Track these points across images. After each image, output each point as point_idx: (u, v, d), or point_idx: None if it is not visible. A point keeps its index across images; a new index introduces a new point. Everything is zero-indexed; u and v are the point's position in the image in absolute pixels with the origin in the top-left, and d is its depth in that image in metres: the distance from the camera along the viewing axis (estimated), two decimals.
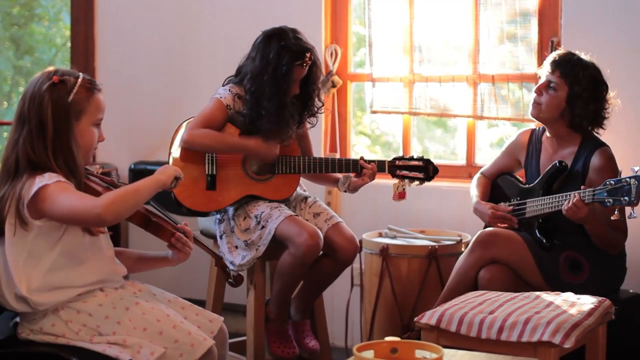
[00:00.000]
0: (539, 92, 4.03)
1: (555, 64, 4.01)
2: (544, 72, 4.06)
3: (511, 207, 4.09)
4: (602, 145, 3.99)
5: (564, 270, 3.87)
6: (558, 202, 3.84)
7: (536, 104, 4.04)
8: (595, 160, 3.94)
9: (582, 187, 3.76)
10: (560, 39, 4.60)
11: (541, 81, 4.05)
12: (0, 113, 6.80)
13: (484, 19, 4.81)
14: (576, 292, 3.58)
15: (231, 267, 3.93)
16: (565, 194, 3.81)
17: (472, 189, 4.31)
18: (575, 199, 3.71)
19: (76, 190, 2.85)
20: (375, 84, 5.06)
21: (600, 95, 3.99)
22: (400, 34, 4.99)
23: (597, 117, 4.00)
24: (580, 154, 4.00)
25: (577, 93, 3.96)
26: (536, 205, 3.98)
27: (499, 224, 4.06)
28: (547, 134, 4.14)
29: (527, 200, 4.04)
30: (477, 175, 4.39)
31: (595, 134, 4.05)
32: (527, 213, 4.02)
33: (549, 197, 3.91)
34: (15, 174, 2.87)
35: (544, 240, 3.93)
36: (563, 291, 3.61)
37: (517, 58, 4.77)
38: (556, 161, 3.99)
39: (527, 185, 4.13)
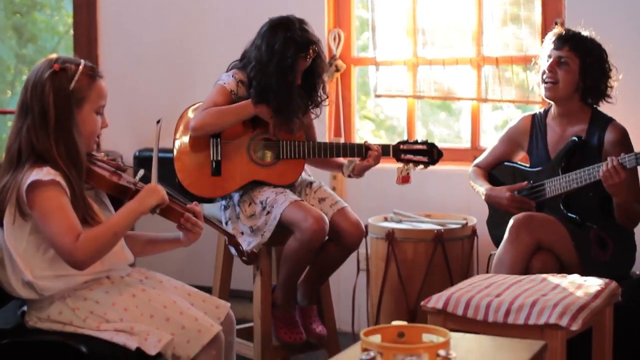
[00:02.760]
0: (551, 69, 3.99)
1: (562, 40, 4.00)
2: (546, 52, 4.04)
3: (527, 183, 4.06)
4: (611, 119, 4.00)
5: (594, 247, 3.86)
6: (588, 175, 3.80)
7: (551, 84, 4.00)
8: (610, 134, 3.94)
9: (601, 161, 3.75)
10: (564, 20, 4.58)
11: (545, 61, 4.04)
12: (3, 102, 6.80)
13: (487, 1, 4.79)
14: (603, 271, 3.58)
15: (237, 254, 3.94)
16: (593, 166, 3.78)
17: (473, 181, 4.28)
18: (615, 162, 3.69)
19: (68, 204, 2.82)
20: (379, 67, 5.05)
21: (607, 62, 4.01)
22: (403, 17, 4.98)
23: (606, 87, 4.01)
24: (592, 129, 3.99)
25: (589, 64, 3.96)
26: (559, 184, 3.94)
27: (516, 209, 4.01)
28: (554, 114, 4.12)
29: (545, 181, 4.01)
30: (472, 168, 4.36)
31: (600, 110, 4.05)
32: (548, 193, 3.99)
33: (574, 172, 3.88)
34: (18, 163, 2.87)
35: (577, 217, 3.90)
36: (593, 269, 3.61)
37: (521, 40, 4.76)
38: (574, 137, 3.98)
39: (537, 168, 4.11)
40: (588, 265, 3.76)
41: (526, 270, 3.77)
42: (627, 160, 3.68)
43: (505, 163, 4.28)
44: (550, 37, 4.06)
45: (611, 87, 4.04)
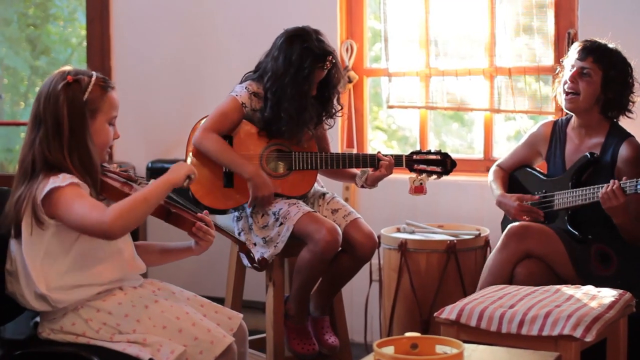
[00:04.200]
0: (573, 80, 3.97)
1: (587, 51, 3.98)
2: (570, 62, 4.03)
3: (538, 197, 4.06)
4: (629, 135, 3.98)
5: (595, 263, 3.85)
6: (593, 194, 3.81)
7: (572, 95, 3.98)
8: (624, 151, 3.92)
9: (620, 179, 3.73)
10: (577, 31, 4.58)
11: (568, 71, 4.02)
12: (17, 113, 6.83)
13: (500, 11, 4.79)
14: (605, 285, 3.56)
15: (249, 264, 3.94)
16: (598, 186, 3.78)
17: (491, 181, 4.29)
18: (615, 186, 3.68)
19: (88, 195, 2.84)
20: (392, 78, 5.05)
21: (630, 77, 4.00)
22: (415, 28, 4.98)
23: (628, 101, 4.00)
24: (608, 144, 3.98)
25: (611, 77, 3.95)
26: (567, 198, 3.94)
27: (524, 217, 4.02)
28: (573, 124, 4.11)
29: (555, 192, 4.01)
30: (494, 167, 4.36)
31: (620, 124, 4.04)
32: (556, 205, 3.99)
33: (581, 189, 3.88)
34: (32, 174, 2.88)
35: (577, 233, 3.90)
36: (593, 284, 3.58)
37: (534, 50, 4.75)
38: (587, 153, 3.97)
39: (552, 178, 4.10)
40: (587, 279, 3.74)
41: (510, 277, 3.80)
42: (629, 186, 3.67)
43: (525, 167, 4.28)
44: (576, 47, 4.04)
45: (633, 102, 4.03)
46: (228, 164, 4.00)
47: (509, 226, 3.91)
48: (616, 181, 3.70)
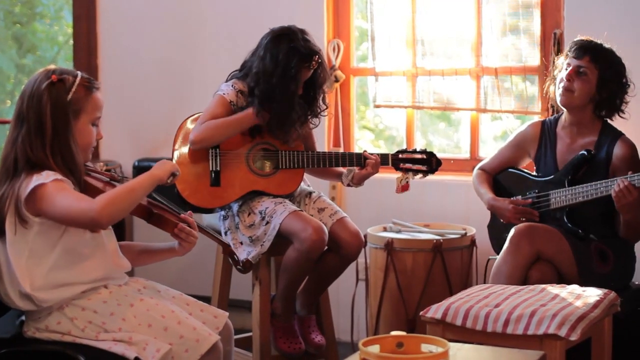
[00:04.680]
0: (569, 78, 3.97)
1: (584, 50, 3.98)
2: (565, 60, 4.03)
3: (530, 200, 4.06)
4: (621, 134, 4.00)
5: (595, 260, 3.85)
6: (595, 190, 3.81)
7: (567, 91, 3.98)
8: (618, 149, 3.93)
9: (615, 176, 3.76)
10: (563, 31, 4.60)
11: (564, 68, 4.02)
12: (2, 111, 6.81)
13: (487, 11, 4.80)
14: (603, 283, 3.57)
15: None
16: (601, 181, 3.79)
17: (477, 186, 4.27)
18: (626, 182, 3.69)
19: (73, 190, 2.84)
20: (378, 78, 5.06)
21: (625, 77, 4.01)
22: (402, 28, 4.98)
23: (621, 102, 4.02)
24: (602, 142, 3.99)
25: (607, 77, 3.96)
26: (565, 196, 3.94)
27: (520, 219, 4.01)
28: (564, 123, 4.11)
29: (550, 192, 4.01)
30: (476, 171, 4.33)
31: (611, 121, 4.06)
32: (552, 205, 3.99)
33: (581, 186, 3.88)
34: (14, 172, 2.87)
35: (580, 231, 3.90)
36: (594, 282, 3.59)
37: (520, 50, 4.76)
38: (583, 150, 3.97)
39: (544, 177, 4.10)
40: (587, 277, 3.75)
41: (524, 280, 3.77)
42: (637, 179, 3.69)
43: (510, 169, 4.26)
44: (572, 45, 4.04)
45: (626, 103, 4.04)
46: (233, 129, 3.99)
47: (516, 228, 3.85)
48: (624, 179, 3.71)
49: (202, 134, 3.96)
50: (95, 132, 3.01)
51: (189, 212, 3.17)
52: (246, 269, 3.38)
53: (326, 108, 4.20)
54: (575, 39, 4.06)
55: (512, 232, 3.85)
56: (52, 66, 2.98)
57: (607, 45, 4.02)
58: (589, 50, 3.98)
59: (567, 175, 3.98)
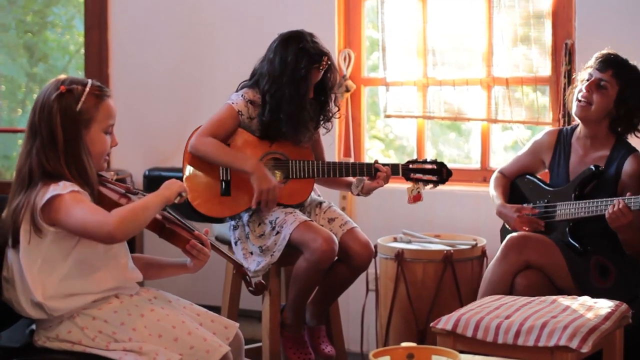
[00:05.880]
0: (588, 89, 3.95)
1: (607, 64, 3.95)
2: (588, 70, 4.00)
3: (537, 210, 4.05)
4: (634, 150, 3.97)
5: (594, 274, 3.84)
6: (596, 207, 3.80)
7: (585, 102, 3.95)
8: (628, 166, 3.91)
9: (624, 193, 3.74)
10: (575, 41, 4.59)
11: (585, 79, 3.99)
12: (14, 120, 6.82)
13: (498, 21, 4.79)
14: (603, 297, 3.54)
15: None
16: (603, 199, 3.77)
17: (492, 189, 4.27)
18: (621, 205, 3.67)
19: (90, 202, 2.84)
20: (389, 88, 5.05)
21: None
22: (413, 38, 4.98)
23: (639, 121, 3.98)
24: (613, 158, 3.97)
25: (627, 94, 3.93)
26: (569, 210, 3.93)
27: (524, 228, 4.01)
28: (579, 134, 4.09)
29: (557, 203, 3.99)
30: (496, 174, 4.34)
31: (626, 138, 4.03)
32: (557, 217, 3.98)
33: (584, 202, 3.86)
34: (30, 183, 2.87)
35: (578, 246, 3.89)
36: (592, 295, 3.57)
37: (531, 61, 4.75)
38: (591, 165, 3.95)
39: (555, 188, 4.08)
40: (586, 291, 3.73)
41: (511, 288, 3.78)
42: (633, 203, 3.67)
43: (527, 176, 4.25)
44: (598, 57, 4.00)
45: None
46: (227, 163, 3.99)
47: (508, 236, 3.89)
48: (620, 200, 3.69)
49: (203, 148, 3.96)
50: (109, 140, 3.01)
51: (205, 229, 3.15)
52: (258, 292, 3.33)
53: (338, 110, 4.20)
54: (602, 51, 4.02)
55: (505, 240, 3.89)
56: (63, 76, 2.98)
57: (633, 62, 3.98)
58: (613, 65, 3.94)
59: (575, 189, 3.96)
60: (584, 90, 3.96)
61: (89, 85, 2.94)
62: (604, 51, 4.03)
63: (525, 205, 4.10)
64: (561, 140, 4.15)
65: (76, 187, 2.83)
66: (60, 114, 2.87)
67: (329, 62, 4.02)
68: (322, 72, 4.02)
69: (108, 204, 2.92)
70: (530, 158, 4.27)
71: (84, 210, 2.79)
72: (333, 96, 4.15)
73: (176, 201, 2.94)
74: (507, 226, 4.13)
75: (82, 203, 2.81)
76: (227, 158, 3.98)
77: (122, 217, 2.78)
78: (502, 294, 3.72)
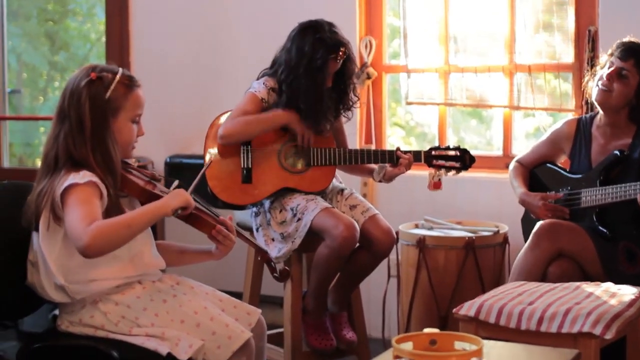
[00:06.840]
0: (609, 78, 3.91)
1: (629, 53, 3.91)
2: (608, 59, 3.96)
3: (562, 195, 4.03)
4: None
5: (622, 260, 3.82)
6: (624, 192, 3.77)
7: (606, 90, 3.92)
8: None
9: None
10: (598, 28, 4.55)
11: (606, 67, 3.96)
12: (35, 108, 6.85)
13: (520, 8, 4.77)
14: (632, 283, 3.53)
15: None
16: (631, 184, 3.75)
17: (512, 179, 4.25)
18: None
19: (95, 201, 2.80)
20: (410, 75, 5.04)
21: None
22: (435, 25, 4.97)
23: None
24: (636, 144, 3.93)
25: None
26: (595, 195, 3.90)
27: (549, 216, 3.99)
28: (599, 122, 4.07)
29: (582, 190, 3.98)
30: (514, 163, 4.32)
31: None
32: (582, 203, 3.96)
33: (611, 187, 3.84)
34: (55, 168, 2.88)
35: (607, 232, 3.87)
36: (620, 281, 3.54)
37: (554, 47, 4.73)
38: (616, 150, 3.93)
39: (577, 175, 4.06)
40: (615, 277, 3.71)
41: (543, 276, 3.75)
42: None
43: (548, 164, 4.23)
44: (620, 45, 3.96)
45: None
46: (263, 126, 4.01)
47: (539, 224, 3.85)
48: None
49: (231, 129, 3.96)
50: (136, 129, 3.01)
51: (229, 216, 3.14)
52: (283, 278, 3.33)
53: (358, 99, 4.19)
54: (623, 39, 3.98)
55: (535, 227, 3.85)
56: (94, 63, 2.99)
57: None
58: (635, 54, 3.91)
59: (600, 175, 3.94)
60: (605, 79, 3.93)
61: (119, 74, 2.95)
62: (626, 39, 3.99)
63: (548, 193, 4.08)
64: (581, 129, 4.13)
65: (95, 178, 2.82)
66: (90, 100, 2.88)
67: (347, 53, 4.01)
68: (340, 62, 4.01)
69: (134, 189, 2.93)
70: (550, 147, 4.25)
71: (76, 213, 2.75)
72: (352, 85, 4.14)
73: (174, 215, 2.89)
74: (532, 215, 4.11)
75: (82, 205, 2.77)
76: (260, 123, 3.99)
77: (100, 233, 2.71)
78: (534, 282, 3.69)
